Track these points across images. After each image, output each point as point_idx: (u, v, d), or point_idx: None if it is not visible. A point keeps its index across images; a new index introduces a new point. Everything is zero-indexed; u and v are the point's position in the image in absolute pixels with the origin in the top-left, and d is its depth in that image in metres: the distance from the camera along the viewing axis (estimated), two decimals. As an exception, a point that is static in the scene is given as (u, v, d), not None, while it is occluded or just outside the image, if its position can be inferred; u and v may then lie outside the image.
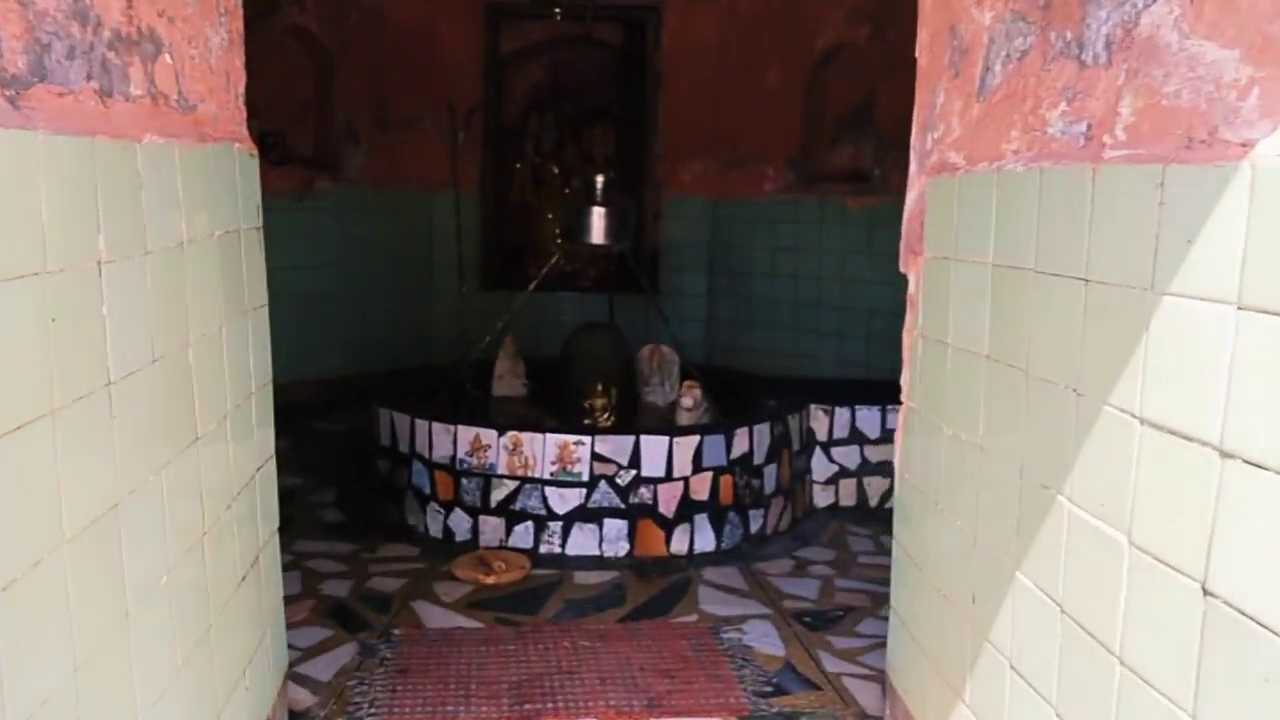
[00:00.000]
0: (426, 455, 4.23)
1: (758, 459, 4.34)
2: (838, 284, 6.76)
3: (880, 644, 3.34)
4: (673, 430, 4.19)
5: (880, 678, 3.11)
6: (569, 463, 4.03)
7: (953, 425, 2.26)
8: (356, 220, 6.93)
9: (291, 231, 6.59)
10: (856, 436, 4.79)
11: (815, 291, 6.88)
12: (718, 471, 4.19)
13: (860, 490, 4.83)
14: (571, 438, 4.03)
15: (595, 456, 4.04)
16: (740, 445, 4.26)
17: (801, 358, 6.99)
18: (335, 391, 6.83)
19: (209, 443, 2.07)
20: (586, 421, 4.85)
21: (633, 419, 5.09)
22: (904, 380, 2.63)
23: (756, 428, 4.33)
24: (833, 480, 4.81)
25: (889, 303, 6.42)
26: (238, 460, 2.32)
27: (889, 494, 4.78)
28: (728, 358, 7.36)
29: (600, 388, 4.87)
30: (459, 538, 4.18)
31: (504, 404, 5.45)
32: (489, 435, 4.09)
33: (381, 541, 4.23)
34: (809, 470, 4.77)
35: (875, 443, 4.81)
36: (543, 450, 4.04)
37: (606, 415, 4.89)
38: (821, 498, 4.83)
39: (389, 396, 4.67)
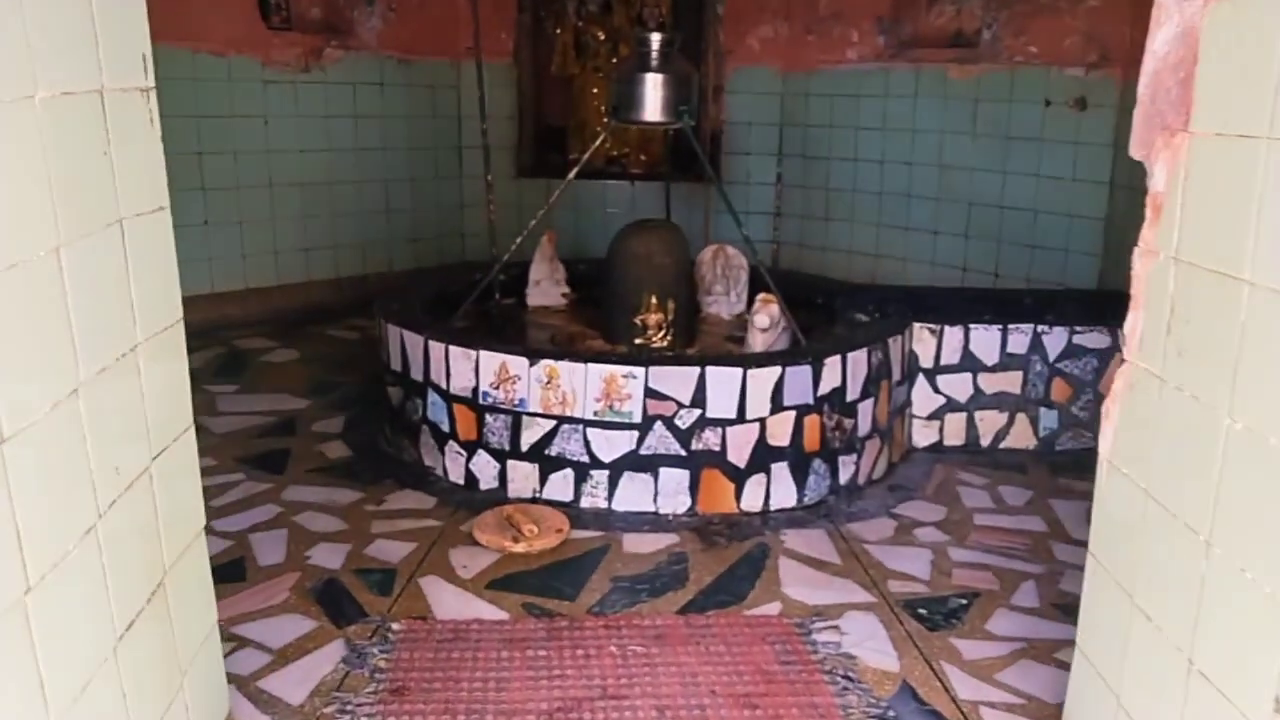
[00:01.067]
0: (444, 385, 3.44)
1: (851, 394, 3.48)
2: (933, 171, 5.76)
3: (1024, 652, 2.54)
4: (746, 360, 3.33)
5: (1033, 710, 2.31)
6: (617, 399, 3.21)
7: (1242, 412, 1.38)
8: (373, 96, 6.02)
9: (299, 109, 5.71)
10: (969, 362, 3.90)
11: (905, 179, 5.88)
12: (802, 411, 3.35)
13: (970, 426, 3.97)
14: (620, 369, 3.19)
15: (650, 393, 3.21)
16: (830, 378, 3.40)
17: (885, 259, 6.04)
18: (352, 293, 6.06)
19: (51, 429, 1.27)
20: (638, 341, 4.01)
21: (693, 337, 4.23)
22: (1130, 326, 1.73)
23: (851, 355, 3.45)
24: (937, 415, 3.95)
25: (994, 193, 5.43)
26: (118, 449, 1.52)
27: (1005, 432, 3.92)
28: (797, 258, 6.43)
29: (654, 301, 4.01)
30: (484, 485, 3.42)
31: (541, 316, 4.61)
32: (518, 364, 3.27)
33: (392, 488, 3.48)
34: (909, 403, 3.90)
35: (991, 370, 3.91)
36: (585, 384, 3.21)
37: (662, 334, 4.03)
38: (923, 435, 3.97)
39: (400, 308, 3.86)
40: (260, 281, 5.72)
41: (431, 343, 3.46)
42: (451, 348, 3.40)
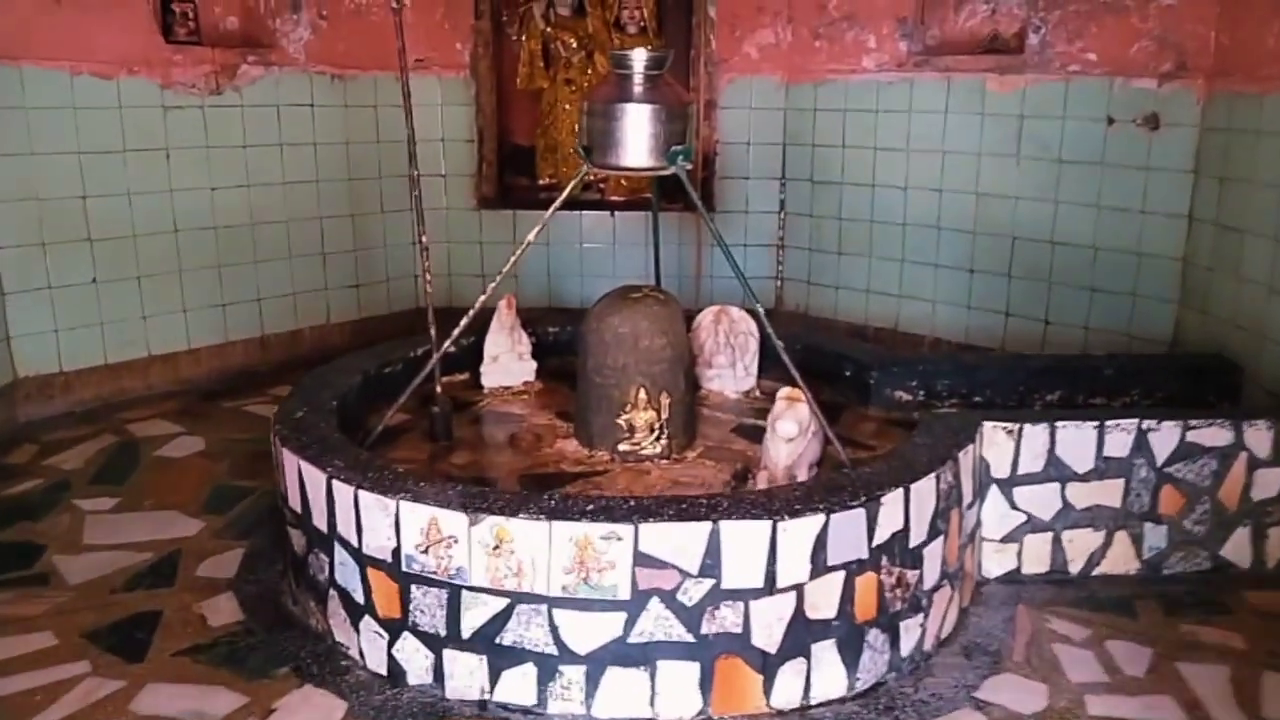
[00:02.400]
0: (354, 541, 2.48)
1: (916, 536, 2.56)
2: (968, 199, 4.85)
3: None
4: (774, 505, 2.40)
5: None
6: (594, 569, 2.27)
7: None
8: (302, 120, 5.06)
9: (209, 138, 4.75)
10: (1056, 469, 2.99)
11: (934, 209, 4.97)
12: (853, 569, 2.42)
13: (1056, 550, 3.06)
14: (597, 528, 2.25)
15: (641, 559, 2.28)
16: (890, 519, 2.48)
17: (910, 300, 5.12)
18: (280, 353, 5.12)
19: None
20: (623, 447, 3.07)
21: (693, 434, 3.29)
22: None
23: (915, 487, 2.53)
24: (1014, 536, 3.04)
25: (1043, 226, 4.53)
26: None
27: (1099, 555, 3.02)
28: (805, 297, 5.51)
29: (643, 396, 3.08)
30: (413, 679, 2.48)
31: (498, 402, 3.67)
32: (453, 521, 2.33)
33: (288, 685, 2.53)
34: (979, 524, 2.98)
35: (1084, 478, 3.00)
36: (548, 550, 2.27)
37: (654, 437, 3.10)
38: (996, 563, 3.06)
39: (305, 415, 2.91)
40: (166, 346, 4.74)
41: (336, 484, 2.51)
42: (362, 493, 2.45)
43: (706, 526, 2.29)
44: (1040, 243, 4.65)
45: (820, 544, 2.37)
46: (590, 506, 2.33)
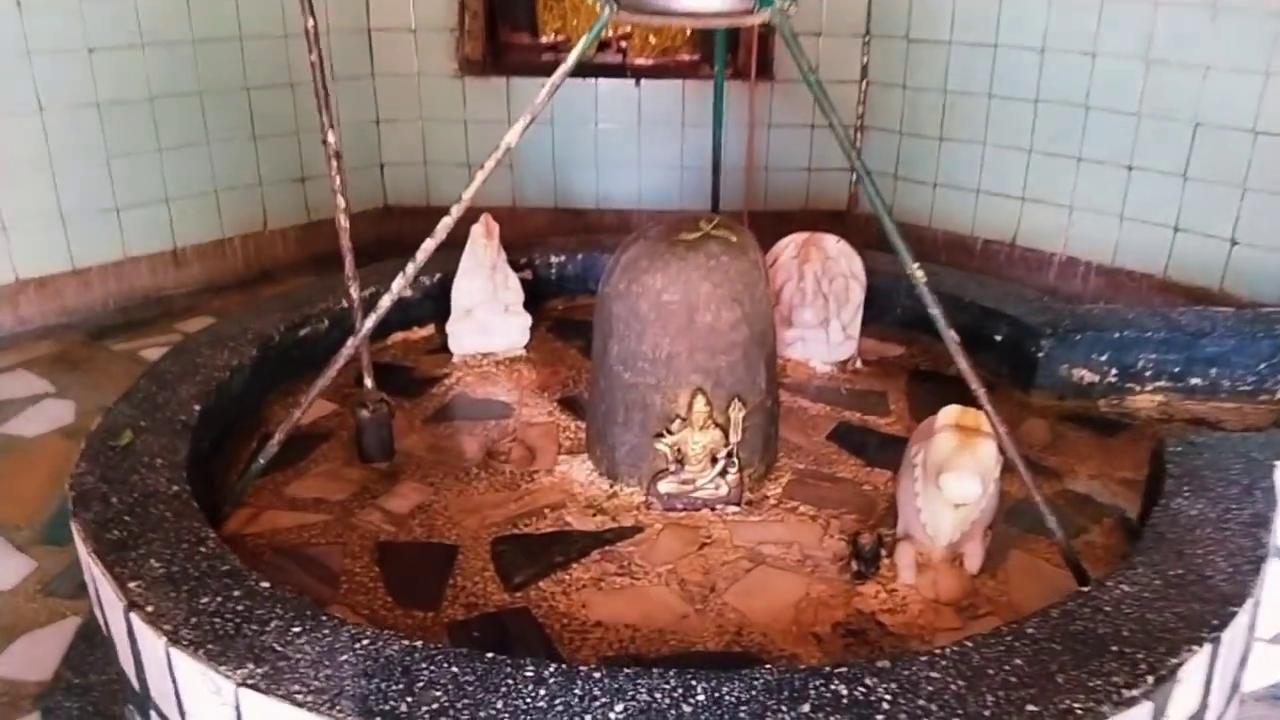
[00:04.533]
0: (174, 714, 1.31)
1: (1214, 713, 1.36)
2: (1135, 67, 3.48)
3: None
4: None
5: None
6: None
7: None
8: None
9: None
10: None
11: (1083, 81, 3.61)
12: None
13: (1364, 658, 1.85)
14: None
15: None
16: (1184, 704, 1.28)
17: (1039, 206, 3.82)
18: (203, 271, 3.90)
19: None
20: (665, 487, 1.87)
21: (773, 456, 2.08)
22: None
23: (1230, 634, 1.32)
24: (1300, 639, 1.83)
25: (1244, 109, 3.25)
26: None
27: None
28: (891, 197, 4.19)
29: (703, 403, 1.85)
30: None
31: (475, 384, 2.45)
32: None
33: None
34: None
35: None
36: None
37: (719, 471, 1.89)
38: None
39: (136, 428, 1.71)
40: (40, 267, 3.51)
41: (136, 621, 1.33)
42: (180, 660, 1.27)
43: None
44: (1236, 131, 3.31)
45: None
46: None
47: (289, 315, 2.43)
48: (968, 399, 1.76)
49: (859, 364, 2.56)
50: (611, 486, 2.00)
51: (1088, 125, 3.63)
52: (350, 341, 1.80)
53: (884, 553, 1.78)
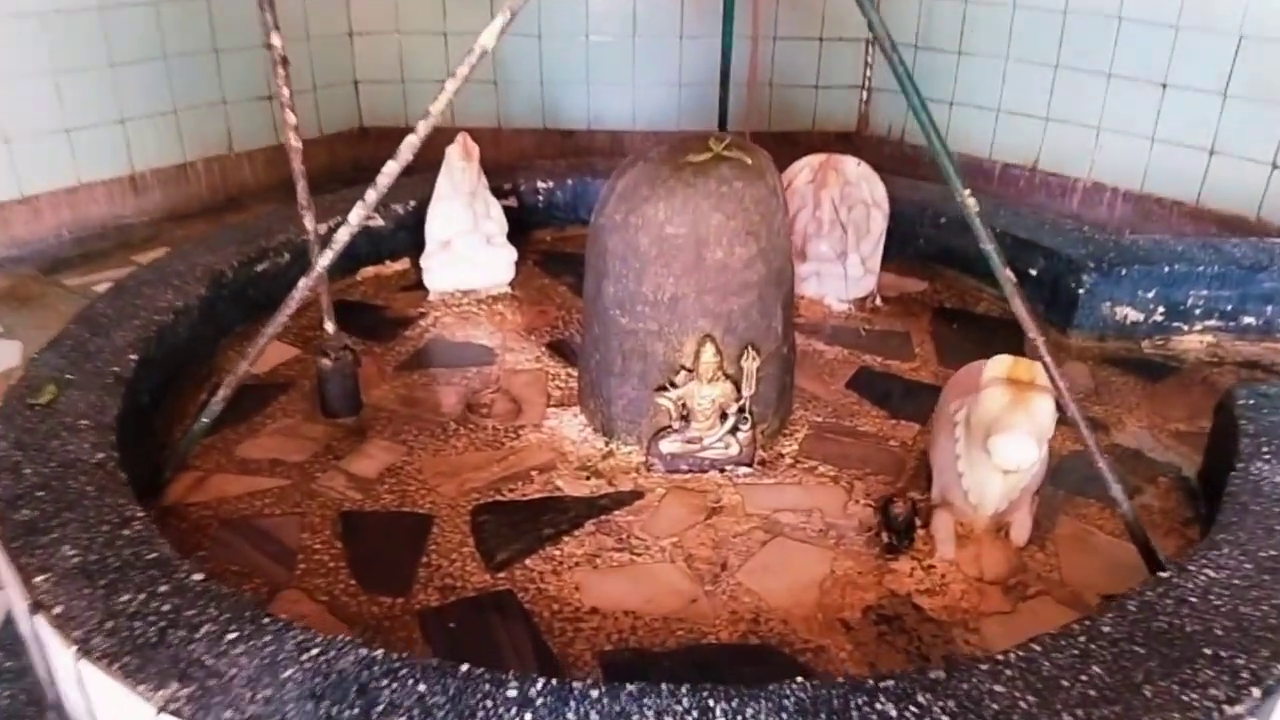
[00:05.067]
0: (100, 742, 1.10)
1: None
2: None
3: None
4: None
5: None
6: None
7: None
8: None
9: None
10: None
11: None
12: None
13: None
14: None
15: None
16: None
17: (1063, 126, 3.55)
18: (164, 198, 3.62)
19: None
20: (669, 446, 1.65)
21: (786, 410, 1.86)
22: None
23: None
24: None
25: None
26: None
27: None
28: (897, 117, 3.91)
29: (713, 352, 1.61)
30: None
31: (452, 326, 2.21)
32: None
33: None
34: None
35: None
36: None
37: (730, 428, 1.67)
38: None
39: (61, 381, 1.47)
40: (-20, 194, 3.22)
41: (85, 666, 1.10)
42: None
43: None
44: (1286, 43, 3.03)
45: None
46: None
47: (245, 249, 2.17)
48: (1001, 340, 1.54)
49: (878, 301, 2.32)
50: (607, 445, 1.78)
51: (1119, 38, 3.34)
52: (303, 280, 1.54)
53: (918, 522, 1.56)
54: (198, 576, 1.20)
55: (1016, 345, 2.22)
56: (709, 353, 1.62)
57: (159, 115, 3.53)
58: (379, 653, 1.09)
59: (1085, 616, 1.19)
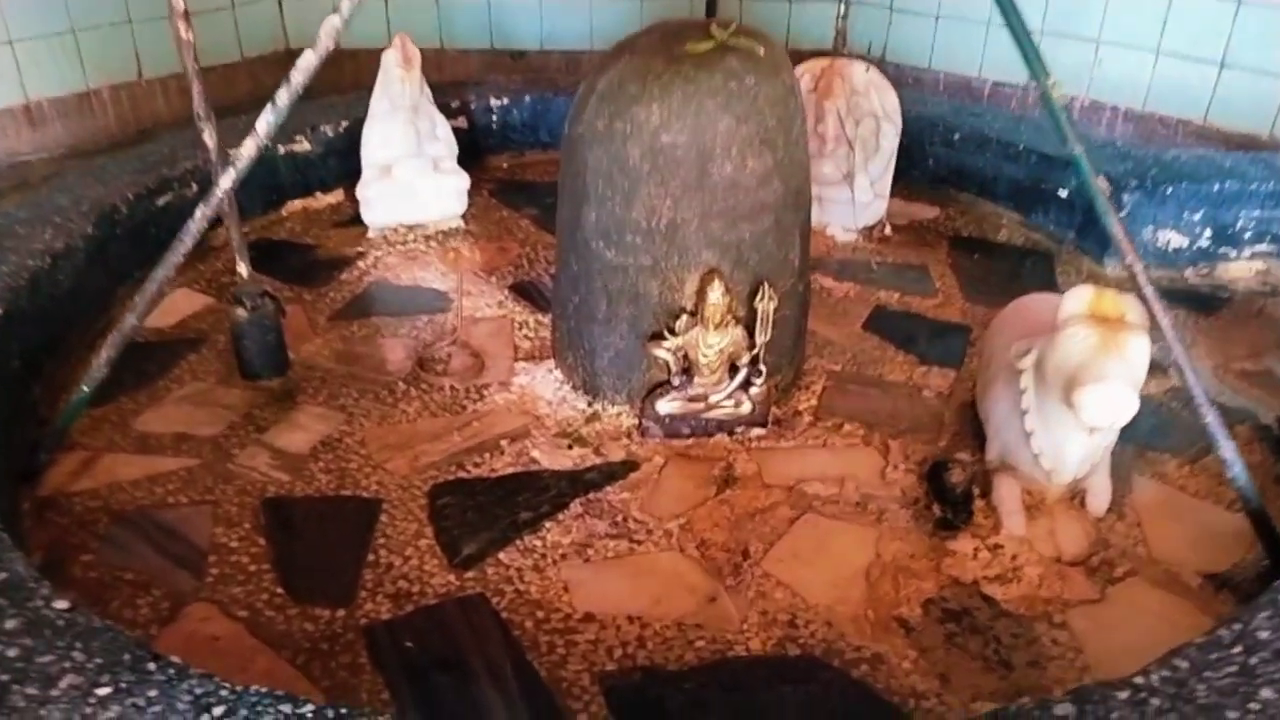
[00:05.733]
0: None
1: None
2: None
3: None
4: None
5: None
6: None
7: None
8: None
9: None
10: None
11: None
12: None
13: None
14: None
15: None
16: None
17: (1056, 41, 3.26)
18: (66, 132, 3.20)
19: None
20: (666, 405, 1.35)
21: (800, 357, 1.57)
22: None
23: None
24: None
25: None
26: None
27: None
28: (877, 34, 3.60)
29: (719, 291, 1.31)
30: None
31: (396, 268, 1.88)
32: None
33: None
34: None
35: None
36: None
37: (741, 383, 1.37)
38: None
39: None
40: None
41: None
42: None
43: None
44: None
45: None
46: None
47: (142, 179, 1.81)
48: (1031, 271, 1.28)
49: (888, 230, 2.04)
50: (590, 406, 1.48)
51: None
52: (201, 208, 1.21)
53: (976, 491, 1.29)
54: (60, 605, 0.89)
55: (1047, 277, 1.97)
56: (716, 292, 1.32)
57: (53, 36, 3.09)
58: (308, 710, 0.78)
59: (1230, 618, 0.93)
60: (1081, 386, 1.14)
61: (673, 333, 1.36)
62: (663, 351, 1.37)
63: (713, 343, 1.35)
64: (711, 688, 1.04)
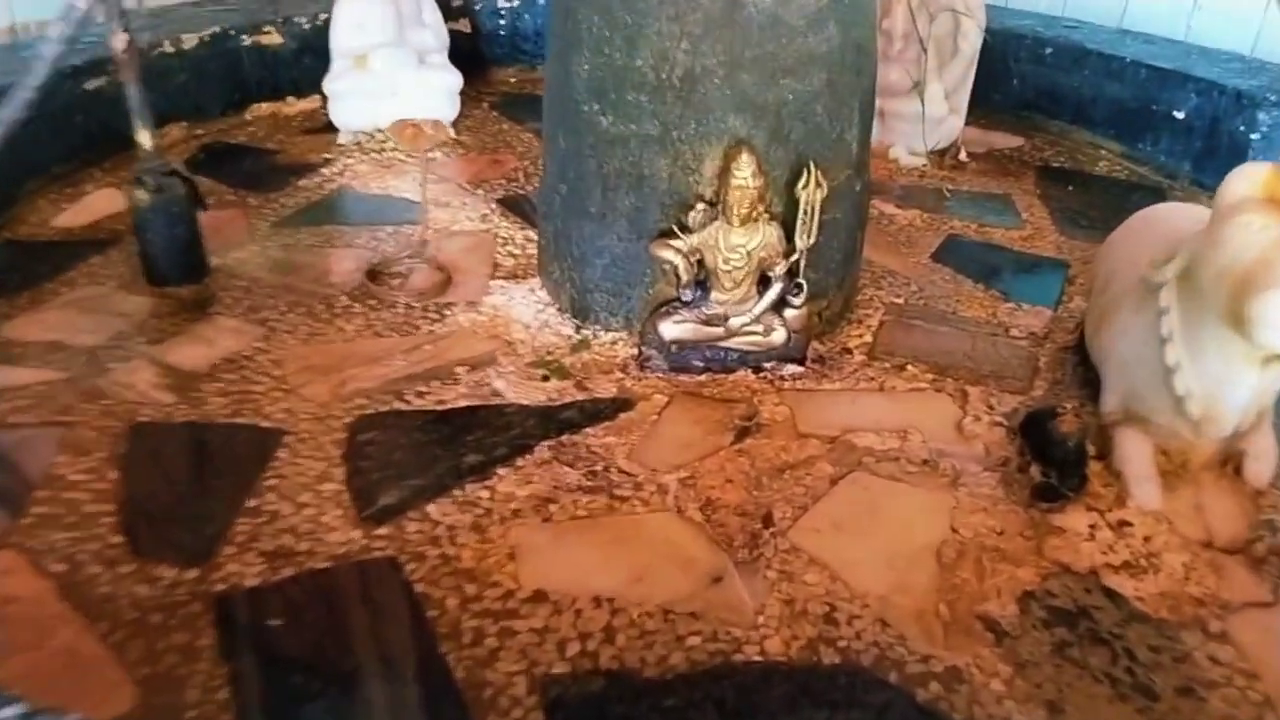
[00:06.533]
0: None
1: None
2: None
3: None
4: None
5: None
6: None
7: None
8: None
9: None
10: None
11: None
12: None
13: None
14: None
15: None
16: None
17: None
18: None
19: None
20: (672, 328, 1.01)
21: (852, 290, 1.22)
22: None
23: None
24: None
25: None
26: None
27: None
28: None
29: (752, 173, 0.97)
30: None
31: (366, 171, 1.55)
32: None
33: None
34: None
35: None
36: None
37: (774, 303, 1.03)
38: None
39: None
40: None
41: None
42: None
43: None
44: None
45: None
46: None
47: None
48: (1140, 208, 0.94)
49: (963, 155, 1.68)
50: (579, 330, 1.15)
51: None
52: (48, 45, 0.89)
53: (1091, 450, 0.94)
54: None
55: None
56: (745, 170, 0.98)
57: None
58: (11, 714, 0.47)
59: None
60: (1258, 294, 0.79)
61: (685, 229, 1.03)
62: (670, 253, 1.03)
63: (738, 243, 1.02)
64: (706, 707, 0.70)
